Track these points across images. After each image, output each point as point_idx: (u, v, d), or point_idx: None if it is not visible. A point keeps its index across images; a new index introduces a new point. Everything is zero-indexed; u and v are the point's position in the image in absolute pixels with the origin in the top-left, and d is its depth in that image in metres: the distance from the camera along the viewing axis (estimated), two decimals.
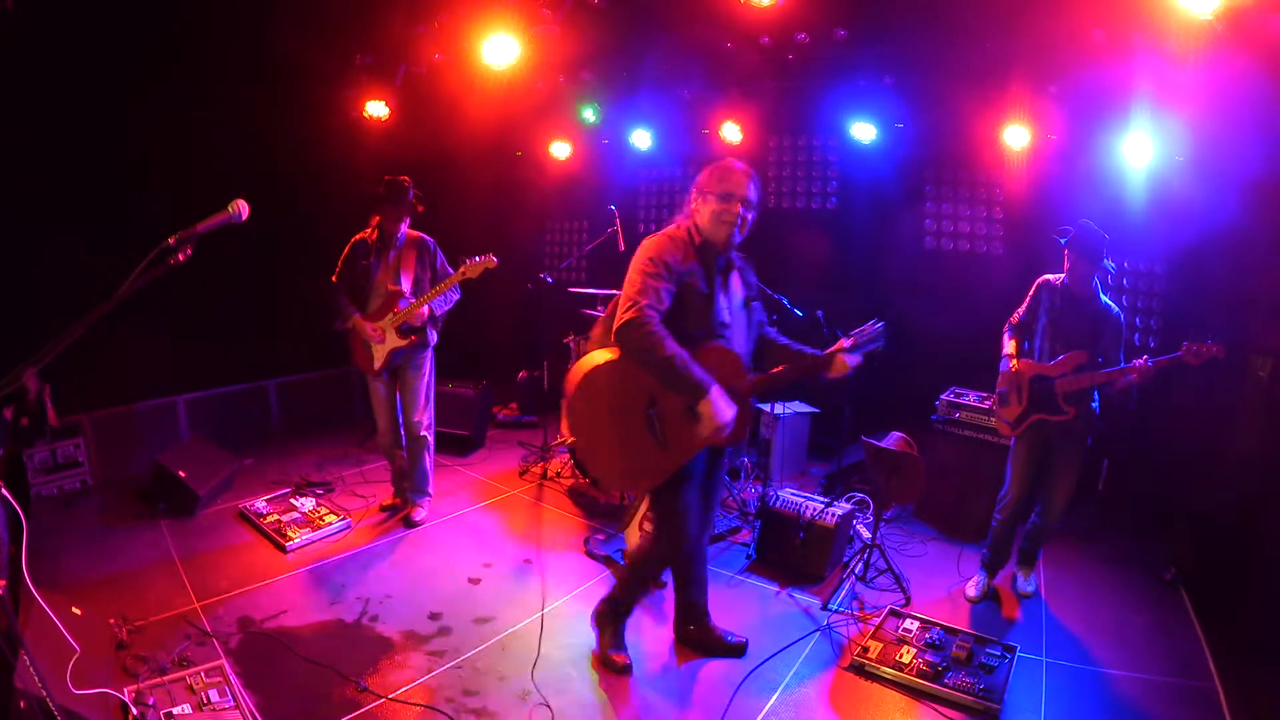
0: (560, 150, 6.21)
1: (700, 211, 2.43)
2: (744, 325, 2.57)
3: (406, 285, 3.73)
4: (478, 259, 3.61)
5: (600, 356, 2.42)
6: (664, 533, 2.65)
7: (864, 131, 4.97)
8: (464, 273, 3.65)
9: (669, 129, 5.83)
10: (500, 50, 3.87)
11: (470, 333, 6.94)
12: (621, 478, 2.65)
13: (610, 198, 5.66)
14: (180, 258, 1.55)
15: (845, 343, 2.48)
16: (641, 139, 5.82)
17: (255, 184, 2.71)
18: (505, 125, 5.77)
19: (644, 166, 6.50)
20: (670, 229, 2.46)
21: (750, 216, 2.41)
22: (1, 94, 3.71)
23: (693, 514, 2.60)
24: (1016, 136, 4.37)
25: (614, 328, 2.30)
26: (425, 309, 3.69)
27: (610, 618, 2.86)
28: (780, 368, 2.57)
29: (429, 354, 3.92)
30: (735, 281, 2.57)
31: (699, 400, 2.26)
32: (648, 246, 2.38)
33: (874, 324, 2.51)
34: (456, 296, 3.85)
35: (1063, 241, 3.18)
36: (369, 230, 3.79)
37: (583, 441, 2.51)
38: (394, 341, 3.75)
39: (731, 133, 5.38)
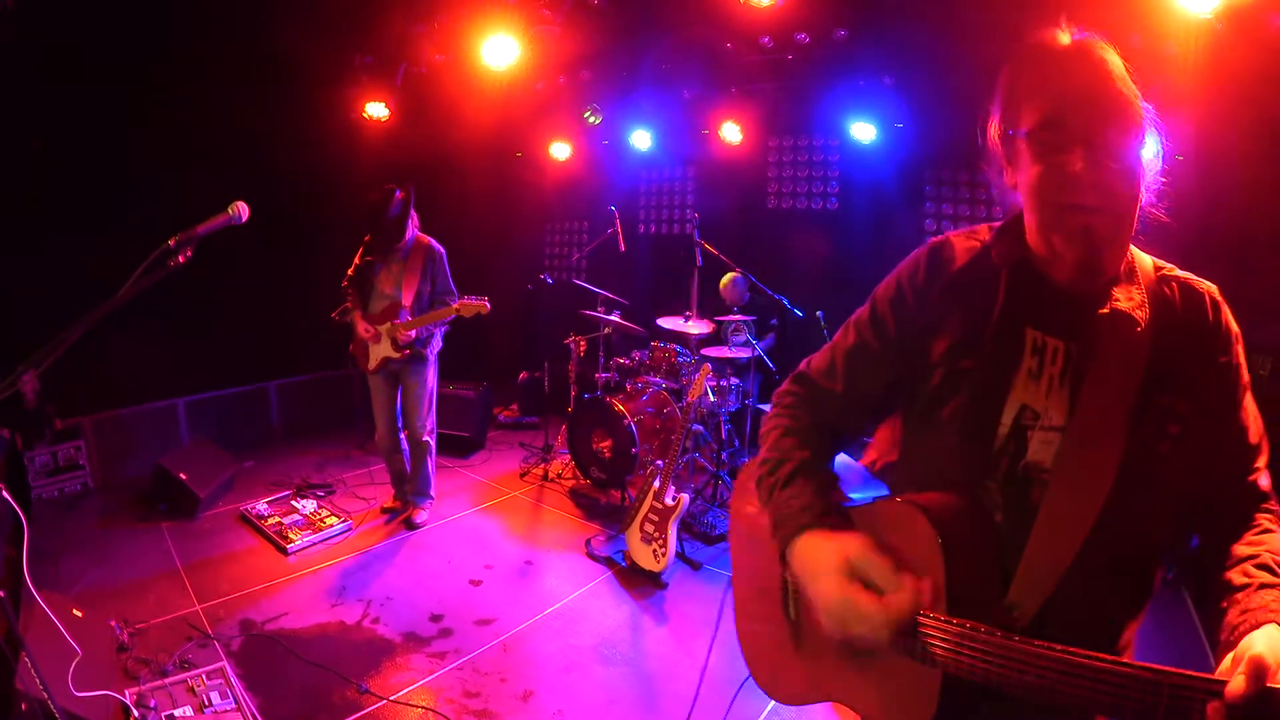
0: (560, 151, 6.20)
1: (1022, 189, 1.03)
2: (1106, 469, 0.98)
3: (407, 297, 3.71)
4: (473, 299, 3.64)
5: None
6: None
7: (864, 131, 4.97)
8: (457, 310, 3.66)
9: (669, 129, 5.83)
10: (500, 50, 3.88)
11: (470, 333, 6.96)
12: (767, 679, 1.34)
13: (610, 198, 5.65)
14: (180, 259, 1.55)
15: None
16: (641, 139, 5.82)
17: (255, 185, 2.71)
18: (505, 126, 5.76)
19: (644, 167, 6.49)
20: (963, 230, 1.17)
21: (1152, 179, 1.04)
22: (1, 94, 3.71)
23: None
24: None
25: None
26: (413, 333, 3.68)
27: None
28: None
29: (431, 360, 3.91)
30: (1103, 362, 1.01)
31: (781, 547, 1.09)
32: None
33: None
34: (452, 316, 3.85)
35: None
36: None
37: (736, 591, 1.46)
38: (388, 350, 3.74)
39: (731, 133, 5.38)
